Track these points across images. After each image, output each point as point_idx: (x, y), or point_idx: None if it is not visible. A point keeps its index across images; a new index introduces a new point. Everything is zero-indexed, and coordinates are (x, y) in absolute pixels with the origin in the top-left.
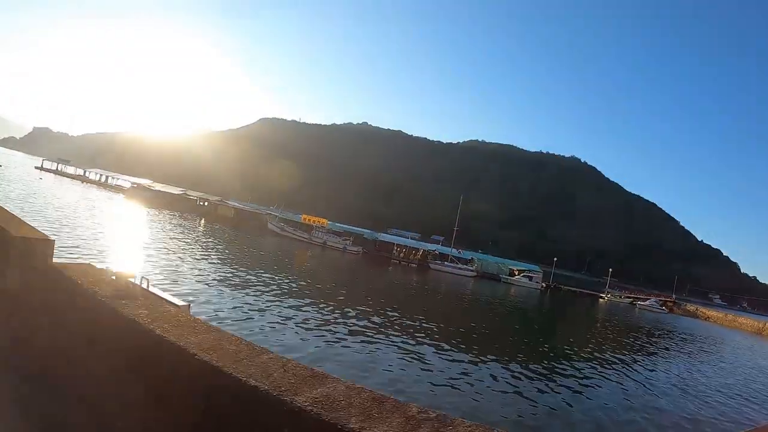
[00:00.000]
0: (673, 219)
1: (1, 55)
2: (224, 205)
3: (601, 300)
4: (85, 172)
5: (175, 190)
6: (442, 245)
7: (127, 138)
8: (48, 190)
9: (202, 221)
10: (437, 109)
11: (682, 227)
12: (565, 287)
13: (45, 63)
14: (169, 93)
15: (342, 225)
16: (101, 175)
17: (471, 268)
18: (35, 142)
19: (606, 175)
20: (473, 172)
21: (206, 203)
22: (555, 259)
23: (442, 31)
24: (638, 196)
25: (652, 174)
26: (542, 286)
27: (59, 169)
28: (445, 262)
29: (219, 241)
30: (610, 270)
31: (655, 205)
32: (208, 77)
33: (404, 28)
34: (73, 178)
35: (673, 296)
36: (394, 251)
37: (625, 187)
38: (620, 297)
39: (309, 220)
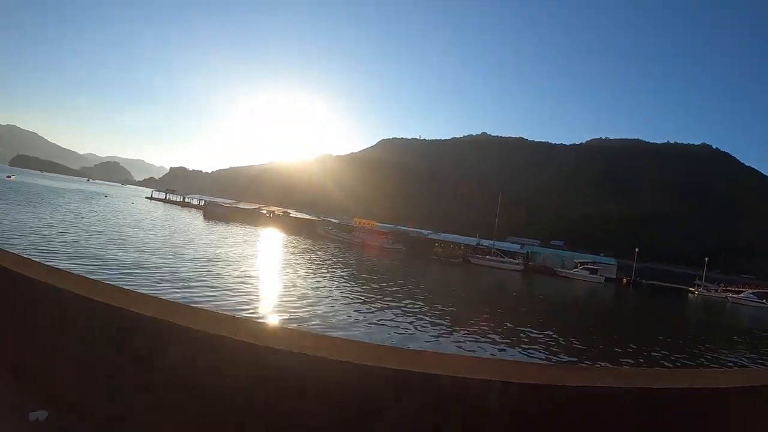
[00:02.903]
0: None
1: (147, 109)
2: (287, 215)
3: (690, 295)
4: (184, 198)
5: (250, 206)
6: (562, 249)
7: (254, 170)
8: (137, 211)
9: (268, 230)
10: (559, 110)
11: None
12: (648, 281)
13: (181, 112)
14: (295, 124)
15: (407, 227)
16: (199, 199)
17: (517, 261)
18: (172, 181)
19: (741, 161)
20: (596, 171)
21: (271, 215)
22: (636, 249)
23: (559, 31)
24: None
25: None
26: (623, 280)
27: (167, 197)
28: (487, 256)
29: (259, 242)
30: (707, 260)
31: None
32: (331, 105)
33: (527, 29)
34: (176, 203)
35: None
36: (436, 247)
37: (764, 172)
38: (716, 291)
39: (359, 222)
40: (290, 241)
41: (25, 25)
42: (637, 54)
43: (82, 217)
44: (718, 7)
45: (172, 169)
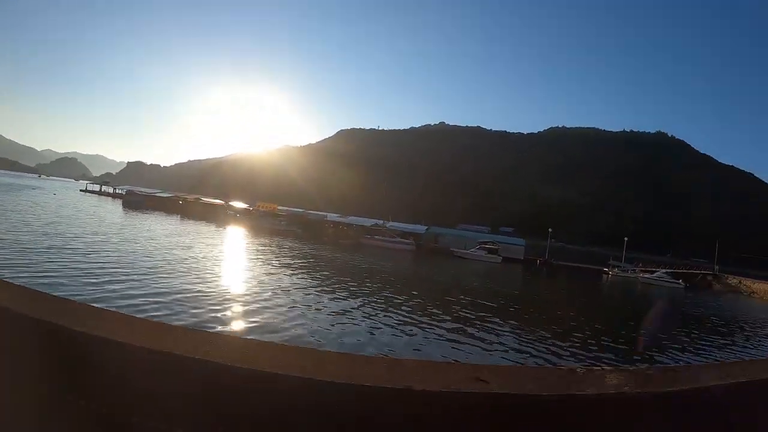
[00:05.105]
0: None
1: (102, 103)
2: (196, 201)
3: (604, 276)
4: (114, 189)
5: (164, 194)
6: (510, 236)
7: (211, 162)
8: (55, 202)
9: (179, 216)
10: (517, 100)
11: None
12: (560, 262)
13: (140, 105)
14: (255, 116)
15: (357, 218)
16: (130, 191)
17: (407, 241)
18: (129, 176)
19: (695, 148)
20: (553, 160)
21: (182, 201)
22: (550, 229)
23: (513, 23)
24: (732, 166)
25: (750, 138)
26: (537, 261)
27: (101, 189)
28: (376, 236)
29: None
30: (625, 239)
31: (752, 174)
32: (291, 96)
33: (486, 19)
34: (109, 195)
35: (716, 268)
36: (326, 228)
37: (717, 159)
38: (633, 271)
39: (260, 206)
40: (186, 224)
41: None
42: (597, 43)
43: None
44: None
45: (129, 163)
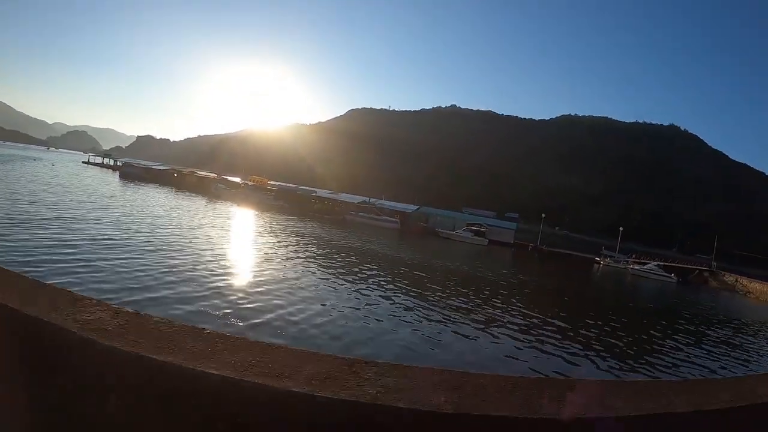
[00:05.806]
0: None
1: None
2: (191, 174)
3: (596, 265)
4: (115, 161)
5: (161, 167)
6: (514, 222)
7: (219, 138)
8: (50, 172)
9: (173, 189)
10: (530, 86)
11: None
12: (551, 249)
13: (151, 80)
14: (267, 93)
15: (346, 195)
16: (128, 163)
17: (393, 219)
18: (138, 150)
19: (708, 143)
20: (563, 148)
21: (176, 174)
22: (543, 215)
23: (529, 7)
24: (743, 164)
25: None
26: (529, 246)
27: (104, 162)
28: (360, 213)
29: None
30: (620, 229)
31: (764, 173)
32: (303, 74)
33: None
34: (110, 167)
35: (714, 264)
36: (313, 203)
37: (729, 156)
38: (627, 262)
39: (253, 180)
40: (176, 196)
41: None
42: (610, 32)
43: None
44: None
45: (138, 137)
